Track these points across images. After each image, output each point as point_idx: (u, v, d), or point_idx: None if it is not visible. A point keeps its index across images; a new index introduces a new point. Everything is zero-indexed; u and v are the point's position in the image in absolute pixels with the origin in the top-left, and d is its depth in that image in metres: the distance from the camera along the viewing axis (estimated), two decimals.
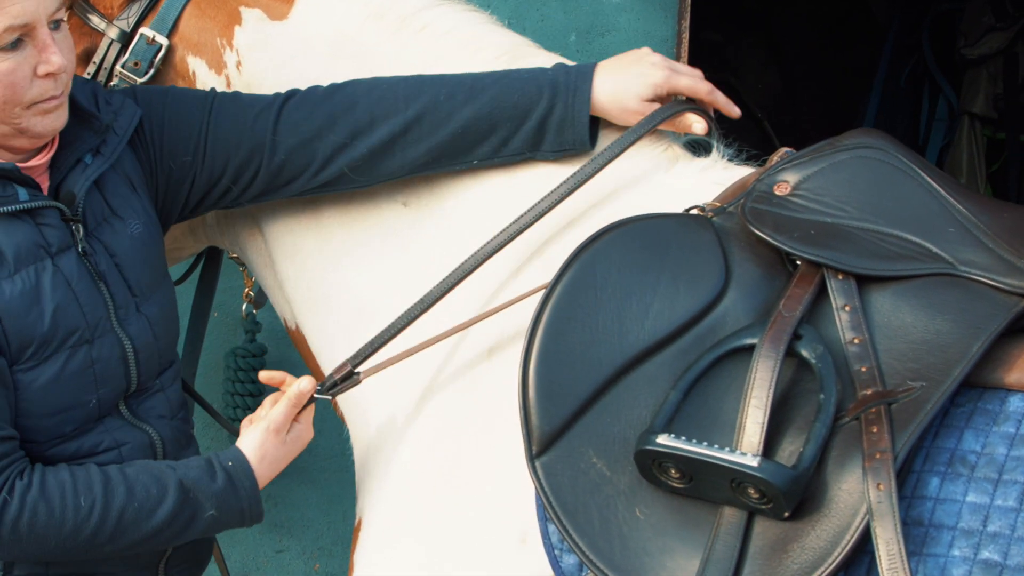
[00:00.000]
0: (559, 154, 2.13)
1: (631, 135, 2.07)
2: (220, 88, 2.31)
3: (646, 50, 2.16)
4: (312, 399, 2.10)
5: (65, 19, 2.00)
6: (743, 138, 2.24)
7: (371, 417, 2.20)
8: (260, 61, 2.30)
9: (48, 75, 1.94)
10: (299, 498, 3.64)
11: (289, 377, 2.13)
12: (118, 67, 2.32)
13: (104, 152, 2.09)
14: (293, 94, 2.21)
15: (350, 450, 3.69)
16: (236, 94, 2.24)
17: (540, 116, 2.11)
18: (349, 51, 2.25)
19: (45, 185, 2.05)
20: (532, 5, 3.54)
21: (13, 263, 1.96)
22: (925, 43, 6.02)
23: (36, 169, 2.03)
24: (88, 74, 2.33)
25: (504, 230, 2.04)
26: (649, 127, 2.08)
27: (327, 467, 3.69)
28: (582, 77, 2.11)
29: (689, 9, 3.99)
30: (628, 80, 2.11)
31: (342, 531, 3.71)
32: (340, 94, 2.19)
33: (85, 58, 2.36)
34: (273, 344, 3.34)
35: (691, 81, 2.14)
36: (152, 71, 2.31)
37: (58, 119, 2.00)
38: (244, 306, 3.04)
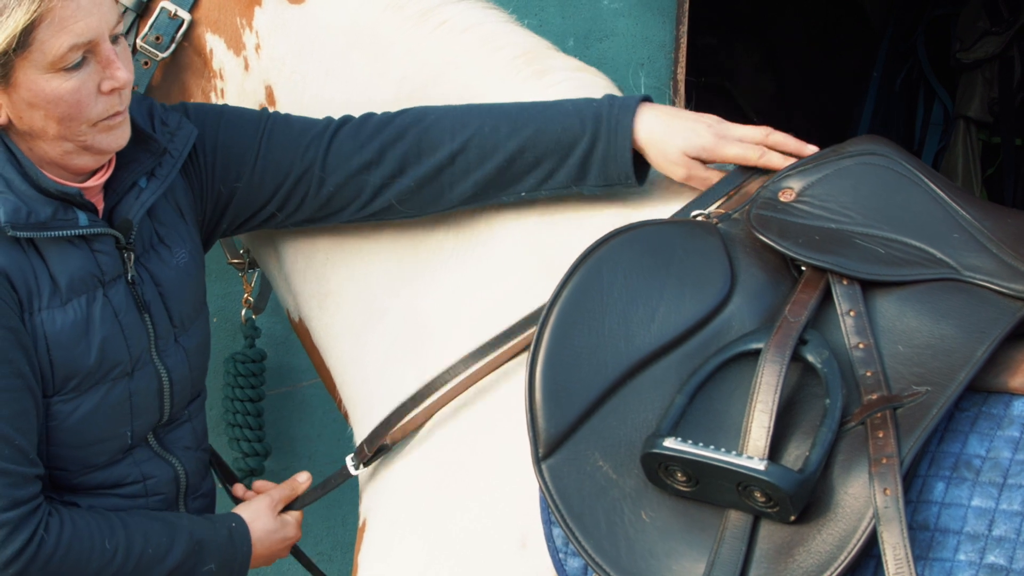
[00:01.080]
0: (606, 188, 2.08)
1: (685, 210, 2.03)
2: (237, 70, 2.30)
3: (712, 117, 2.09)
4: (306, 497, 2.28)
5: (123, 32, 1.96)
6: None
7: (375, 417, 2.20)
8: (279, 46, 2.28)
9: (113, 91, 1.90)
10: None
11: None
12: (138, 40, 2.27)
13: (159, 175, 2.05)
14: (346, 121, 2.18)
15: (349, 455, 3.69)
16: (288, 117, 2.21)
17: (584, 150, 2.06)
18: (365, 42, 2.25)
19: (100, 207, 2.02)
20: (530, 9, 3.55)
21: (66, 292, 1.93)
22: (920, 47, 6.03)
23: (91, 191, 2.00)
24: None
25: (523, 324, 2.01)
26: (713, 200, 2.04)
27: (327, 473, 3.66)
28: (624, 111, 2.05)
29: (687, 15, 3.99)
30: (676, 130, 2.04)
31: (341, 536, 3.70)
32: (391, 126, 2.15)
33: None
34: (272, 349, 3.34)
35: (740, 151, 2.04)
36: (173, 46, 2.29)
37: (122, 135, 1.96)
38: (243, 311, 3.04)
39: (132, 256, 2.02)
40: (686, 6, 3.98)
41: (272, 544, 2.21)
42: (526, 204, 2.13)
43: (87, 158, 1.96)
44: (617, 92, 2.23)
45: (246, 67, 2.30)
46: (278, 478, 3.55)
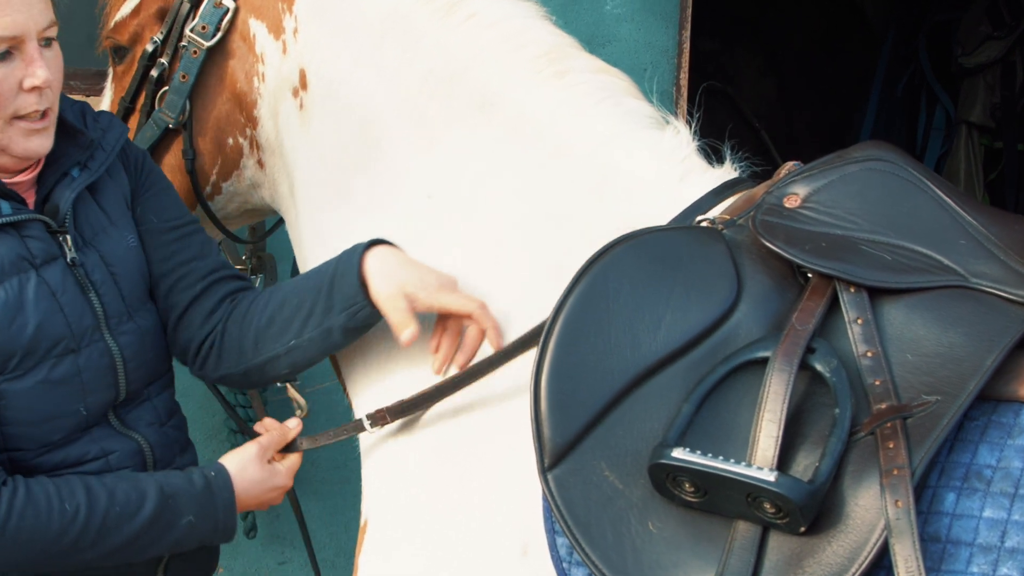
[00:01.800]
0: (347, 313, 2.12)
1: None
2: (276, 54, 2.33)
3: (453, 279, 2.11)
4: (296, 445, 2.24)
5: (55, 38, 2.02)
6: (739, 147, 2.24)
7: (395, 396, 2.17)
8: (316, 29, 2.30)
9: (33, 88, 1.97)
10: (302, 509, 3.62)
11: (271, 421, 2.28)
12: (187, 30, 2.34)
13: (91, 167, 2.12)
14: (236, 278, 2.30)
15: (352, 461, 3.68)
16: (214, 242, 2.32)
17: (329, 279, 2.14)
18: (399, 31, 2.25)
19: (32, 200, 2.08)
20: None
21: None
22: (922, 52, 6.02)
23: (22, 184, 2.06)
24: (161, 34, 2.38)
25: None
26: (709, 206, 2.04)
27: (329, 479, 3.68)
28: (362, 244, 2.14)
29: (690, 19, 3.98)
30: (406, 269, 2.09)
31: (344, 543, 3.69)
32: (256, 296, 2.27)
33: (160, 17, 2.40)
34: None
35: (455, 301, 2.07)
36: (219, 35, 2.34)
37: (41, 144, 2.03)
38: None
39: (69, 239, 2.07)
40: (689, 11, 3.97)
41: (260, 494, 2.19)
42: (534, 206, 2.12)
43: (5, 159, 2.03)
44: (638, 94, 2.24)
45: (284, 50, 2.33)
46: None
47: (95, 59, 3.51)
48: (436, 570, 1.96)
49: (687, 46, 4.01)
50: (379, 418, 2.11)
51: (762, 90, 6.39)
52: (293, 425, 2.25)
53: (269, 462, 2.20)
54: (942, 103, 5.97)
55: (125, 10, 2.47)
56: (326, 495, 3.67)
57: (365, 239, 2.21)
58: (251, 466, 2.16)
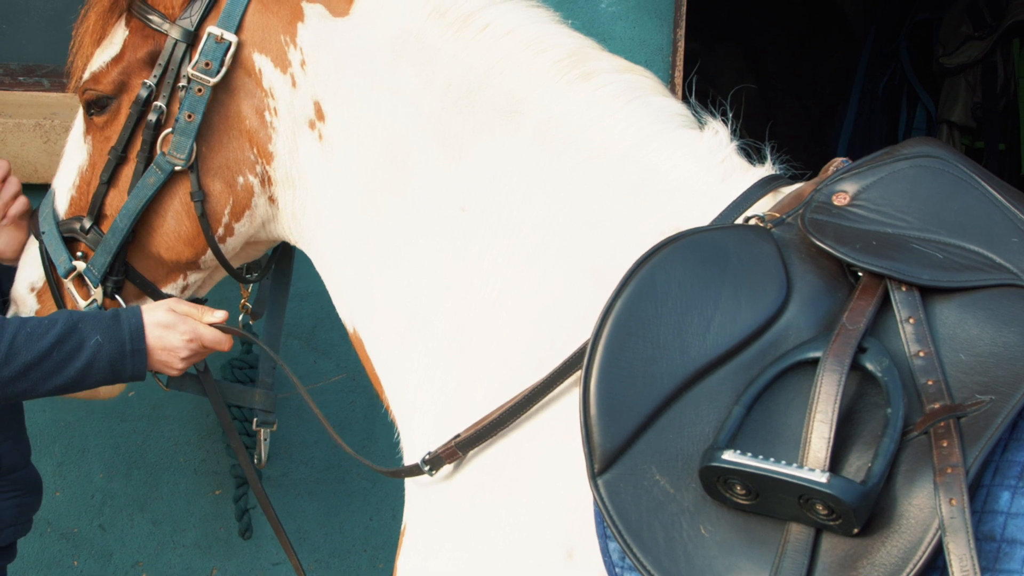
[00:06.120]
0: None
1: None
2: (285, 88, 2.28)
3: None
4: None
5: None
6: None
7: (419, 421, 2.17)
8: (322, 60, 2.25)
9: None
10: (296, 510, 3.59)
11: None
12: (188, 69, 2.27)
13: None
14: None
15: (346, 461, 3.65)
16: None
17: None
18: (412, 51, 2.20)
19: None
20: None
21: None
22: (903, 52, 6.06)
23: None
24: (154, 77, 2.31)
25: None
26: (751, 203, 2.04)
27: (323, 479, 3.64)
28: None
29: (684, 18, 3.97)
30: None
31: (339, 543, 3.66)
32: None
33: (150, 61, 2.32)
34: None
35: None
36: (223, 70, 2.27)
37: None
38: (240, 317, 2.99)
39: None
40: (683, 9, 3.96)
41: (164, 335, 2.31)
42: (570, 211, 2.08)
43: None
44: (666, 92, 2.20)
45: (293, 84, 2.27)
46: (276, 483, 3.52)
47: None
48: (476, 573, 1.94)
49: (681, 44, 4.00)
50: (448, 455, 2.04)
51: (743, 90, 6.40)
52: (218, 315, 2.38)
53: None
54: (923, 103, 6.01)
55: (103, 59, 2.37)
56: (320, 495, 3.64)
57: (400, 258, 2.20)
58: (159, 309, 2.31)
